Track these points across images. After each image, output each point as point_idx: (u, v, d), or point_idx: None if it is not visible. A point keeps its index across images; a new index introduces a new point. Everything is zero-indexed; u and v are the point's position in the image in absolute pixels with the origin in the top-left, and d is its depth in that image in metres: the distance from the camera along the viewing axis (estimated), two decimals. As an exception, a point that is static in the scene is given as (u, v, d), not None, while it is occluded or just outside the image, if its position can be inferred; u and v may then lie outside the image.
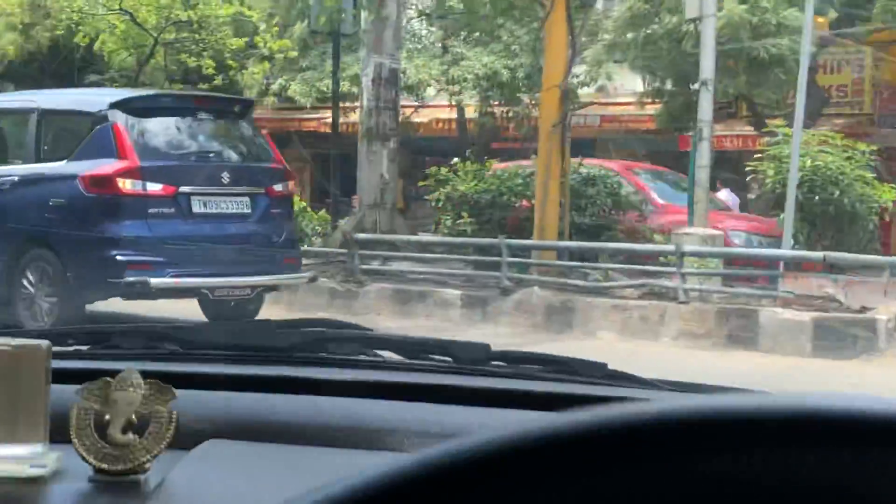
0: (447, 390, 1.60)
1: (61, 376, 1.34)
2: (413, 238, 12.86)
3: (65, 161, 8.83)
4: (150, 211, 8.60)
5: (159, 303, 8.92)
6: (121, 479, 1.25)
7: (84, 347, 1.78)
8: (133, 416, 1.27)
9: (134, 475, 1.25)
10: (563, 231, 11.41)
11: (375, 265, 12.15)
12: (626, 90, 18.51)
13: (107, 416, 1.27)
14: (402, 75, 14.63)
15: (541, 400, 1.52)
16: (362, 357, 1.83)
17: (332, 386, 1.59)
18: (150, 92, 11.53)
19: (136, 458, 1.25)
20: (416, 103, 19.74)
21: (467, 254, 11.86)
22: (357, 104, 14.82)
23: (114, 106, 8.84)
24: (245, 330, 2.10)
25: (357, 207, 13.66)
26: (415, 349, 1.89)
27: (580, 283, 10.80)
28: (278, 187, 9.46)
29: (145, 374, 1.30)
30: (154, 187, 8.61)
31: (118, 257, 8.44)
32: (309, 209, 13.88)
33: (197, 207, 8.86)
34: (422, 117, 20.64)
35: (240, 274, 9.04)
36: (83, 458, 1.25)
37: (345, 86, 16.91)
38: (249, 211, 9.18)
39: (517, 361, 1.83)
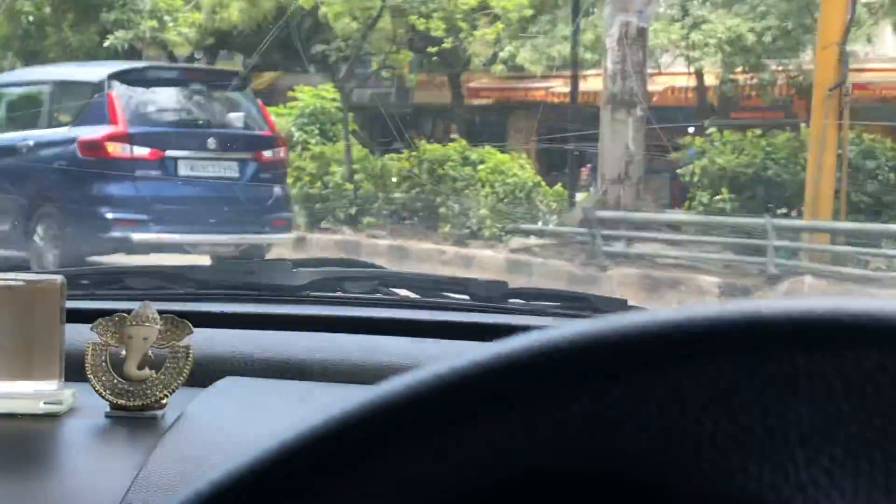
0: (463, 327, 1.58)
1: (75, 316, 1.32)
2: (663, 217, 11.68)
3: (67, 127, 9.66)
4: (138, 173, 9.30)
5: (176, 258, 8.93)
6: (138, 415, 1.24)
7: (98, 290, 1.76)
8: (150, 352, 1.27)
9: (151, 411, 1.25)
10: (838, 210, 10.01)
11: (619, 247, 10.99)
12: (878, 54, 16.77)
13: (122, 353, 1.27)
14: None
15: None
16: (378, 295, 1.82)
17: (347, 323, 1.57)
18: (146, 64, 12.24)
19: (153, 393, 1.25)
20: (653, 70, 18.43)
21: (725, 235, 10.59)
22: (591, 72, 13.66)
23: (111, 77, 9.60)
24: (261, 269, 2.04)
25: (591, 181, 12.63)
26: (431, 287, 1.89)
27: (859, 271, 9.41)
28: (268, 153, 10.01)
29: (160, 314, 1.29)
30: (141, 151, 9.27)
31: (106, 214, 9.13)
32: (543, 184, 12.89)
33: (183, 170, 9.45)
34: (656, 85, 19.30)
35: (222, 232, 9.58)
36: (99, 395, 1.25)
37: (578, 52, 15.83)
38: (237, 174, 9.69)
39: (535, 298, 1.82)
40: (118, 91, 9.45)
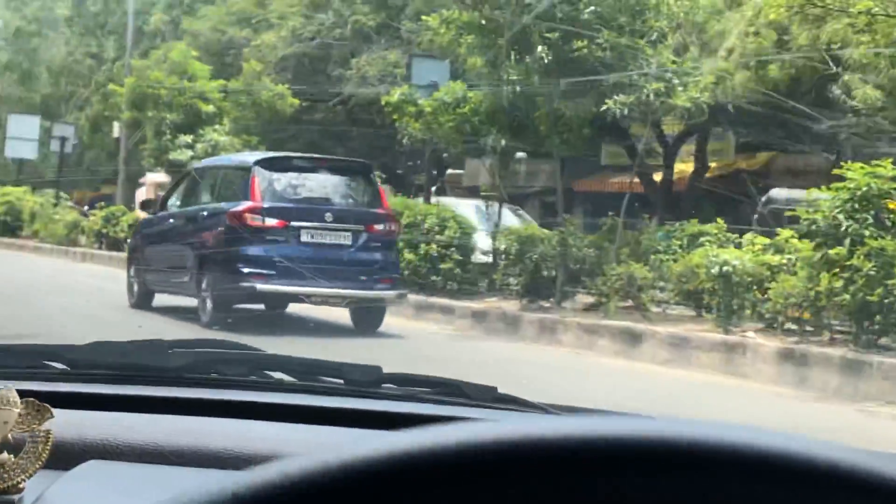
0: (335, 413, 1.60)
1: None
2: None
3: (225, 202, 12.65)
4: (267, 238, 11.99)
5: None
6: None
7: None
8: (9, 436, 1.26)
9: (8, 495, 1.24)
10: None
11: None
12: None
13: (-20, 436, 1.23)
14: None
15: (427, 422, 1.24)
16: (253, 378, 1.83)
17: (220, 407, 1.58)
18: (284, 154, 14.64)
19: (11, 478, 1.24)
20: None
21: None
22: None
23: (256, 163, 12.66)
24: (137, 350, 1.98)
25: None
26: (307, 371, 1.89)
27: None
28: (379, 226, 12.57)
29: (32, 394, 1.29)
30: (271, 221, 12.01)
31: (240, 269, 11.87)
32: None
33: (305, 237, 12.09)
34: None
35: (332, 286, 11.97)
36: None
37: None
38: (349, 242, 12.30)
39: (408, 384, 1.84)
40: (259, 174, 12.43)
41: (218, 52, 33.10)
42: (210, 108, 22.54)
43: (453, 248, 15.19)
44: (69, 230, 27.48)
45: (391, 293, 12.77)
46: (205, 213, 13.12)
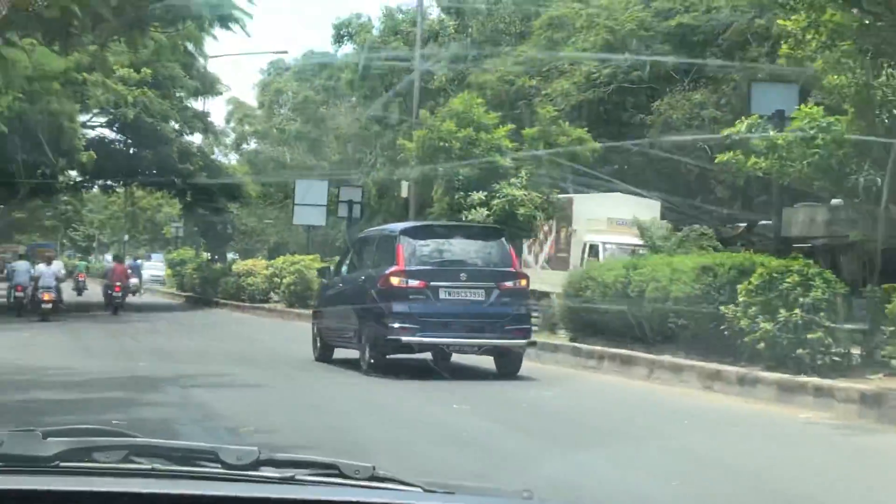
0: (209, 500, 1.62)
1: None
2: None
3: (376, 268, 14.68)
4: (411, 297, 13.90)
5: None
6: None
7: None
8: None
9: None
10: None
11: None
12: None
13: None
14: None
15: None
16: (130, 465, 1.81)
17: (92, 497, 1.58)
18: (425, 223, 16.74)
19: None
20: None
21: None
22: None
23: (401, 232, 14.75)
24: (10, 439, 1.92)
25: None
26: (183, 456, 1.87)
27: None
28: (509, 283, 14.21)
29: None
30: (414, 282, 13.94)
31: (387, 322, 13.84)
32: None
33: (443, 295, 13.94)
34: None
35: (469, 337, 13.97)
36: None
37: None
38: (483, 298, 13.99)
39: (285, 466, 1.84)
40: (404, 242, 14.17)
41: (506, 102, 31.11)
42: (506, 162, 20.18)
43: (822, 314, 12.05)
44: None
45: (521, 342, 14.24)
46: (362, 278, 15.11)
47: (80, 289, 43.17)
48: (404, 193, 23.81)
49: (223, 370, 15.03)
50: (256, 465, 1.81)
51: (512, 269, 14.41)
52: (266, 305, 32.05)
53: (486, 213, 19.73)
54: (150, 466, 1.80)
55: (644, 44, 29.78)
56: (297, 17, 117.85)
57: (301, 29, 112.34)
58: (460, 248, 14.51)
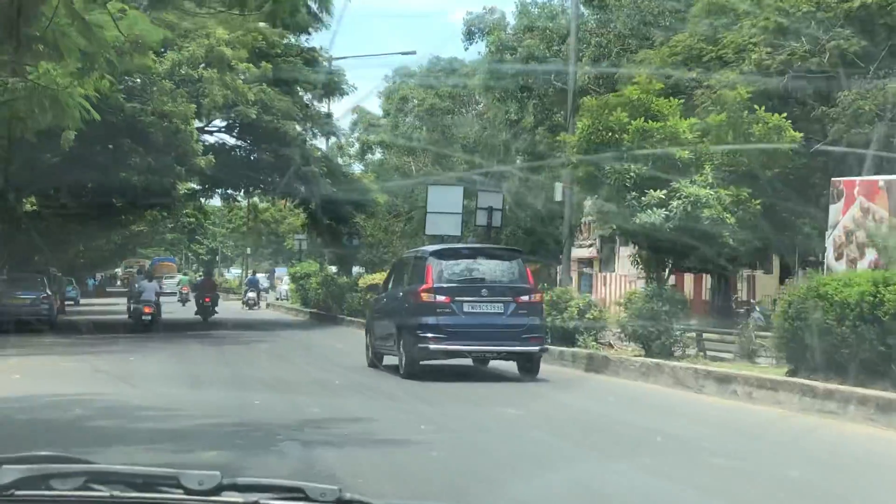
0: None
1: None
2: None
3: (411, 285, 16.79)
4: (438, 310, 15.78)
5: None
6: None
7: None
8: None
9: None
10: None
11: None
12: None
13: None
14: None
15: None
16: (89, 493, 1.77)
17: None
18: (451, 246, 19.25)
19: None
20: None
21: None
22: None
23: (430, 254, 16.79)
24: None
25: None
26: (144, 482, 1.82)
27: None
28: (524, 298, 16.03)
29: None
30: (441, 298, 15.84)
31: (418, 333, 15.73)
32: None
33: (467, 309, 15.80)
34: None
35: (489, 345, 16.00)
36: None
37: None
38: (502, 311, 15.83)
39: (249, 490, 1.79)
40: (432, 262, 16.33)
41: (663, 96, 27.48)
42: (686, 154, 16.66)
43: None
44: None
45: (535, 349, 15.97)
46: (400, 294, 17.07)
47: (183, 300, 45.69)
48: (558, 196, 20.46)
49: (354, 411, 11.90)
50: (219, 489, 1.73)
51: (527, 286, 16.29)
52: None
53: (665, 213, 16.24)
54: (108, 494, 1.74)
55: (822, 27, 25.89)
56: (425, 19, 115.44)
57: (430, 29, 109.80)
58: (482, 267, 16.47)
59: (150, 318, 29.74)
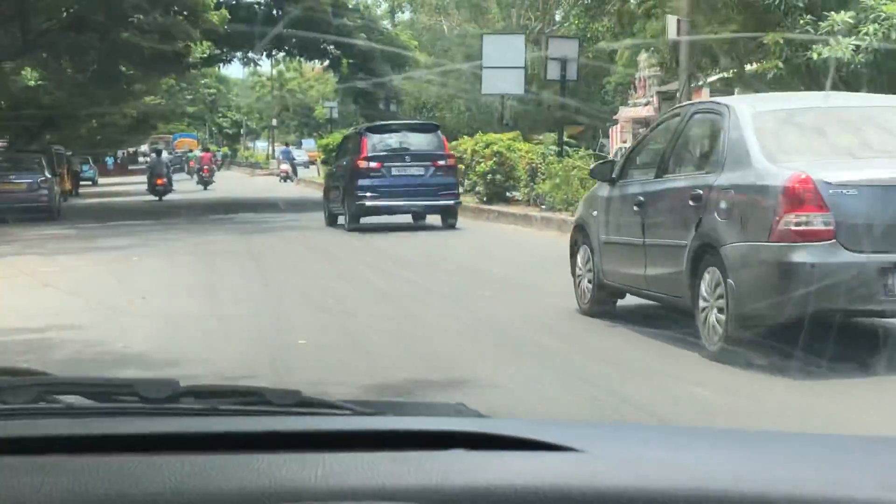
0: (129, 439, 1.48)
1: None
2: None
3: (353, 155, 19.78)
4: (371, 174, 18.72)
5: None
6: None
7: None
8: None
9: None
10: None
11: None
12: None
13: None
14: None
15: (231, 440, 1.45)
16: (42, 405, 1.69)
17: (5, 443, 1.45)
18: (381, 123, 22.44)
19: None
20: None
21: None
22: None
23: (365, 129, 20.76)
24: None
25: None
26: (99, 391, 1.76)
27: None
28: (441, 162, 19.09)
29: None
30: (373, 164, 18.80)
31: (357, 193, 18.69)
32: None
33: (394, 172, 18.79)
34: None
35: (413, 201, 18.66)
36: None
37: None
38: (422, 173, 18.80)
39: (207, 396, 1.72)
40: (367, 136, 19.62)
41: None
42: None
43: None
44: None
45: (451, 202, 19.05)
46: (344, 163, 20.24)
47: (193, 172, 46.68)
48: (672, 33, 15.57)
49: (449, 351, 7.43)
50: (176, 397, 1.66)
51: (443, 153, 19.43)
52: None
53: (855, 44, 11.32)
54: (64, 405, 1.68)
55: None
56: None
57: None
58: (407, 139, 19.75)
59: (161, 189, 32.94)
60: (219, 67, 39.18)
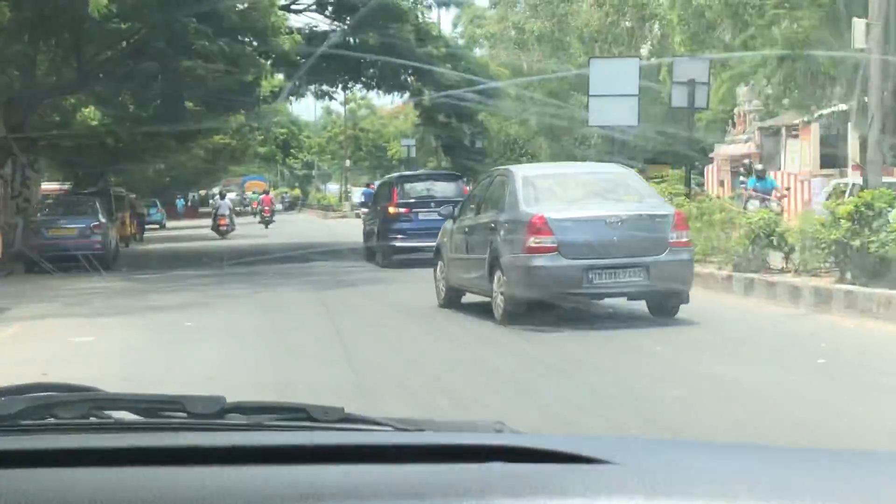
0: (179, 452, 1.51)
1: None
2: None
3: (385, 201, 21.90)
4: (401, 219, 20.71)
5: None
6: None
7: None
8: None
9: None
10: None
11: None
12: None
13: None
14: None
15: (276, 454, 1.46)
16: (93, 420, 1.74)
17: (57, 455, 1.49)
18: (411, 173, 26.18)
19: None
20: None
21: None
22: None
23: (396, 179, 23.25)
24: None
25: None
26: (147, 407, 1.80)
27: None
28: (460, 198, 17.98)
29: None
30: (402, 210, 20.82)
31: (388, 235, 20.77)
32: None
33: (421, 217, 20.28)
34: None
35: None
36: None
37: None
38: (448, 212, 14.96)
39: (253, 412, 1.75)
40: (397, 185, 21.68)
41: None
42: None
43: None
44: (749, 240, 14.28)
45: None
46: (378, 209, 22.22)
47: (256, 213, 47.97)
48: (860, 42, 12.11)
49: None
50: (222, 413, 1.69)
51: (462, 198, 18.02)
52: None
53: None
54: (112, 420, 1.72)
55: None
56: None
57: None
58: (433, 187, 21.75)
59: (224, 229, 35.70)
60: (290, 102, 36.37)
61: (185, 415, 1.69)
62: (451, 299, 12.77)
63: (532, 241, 10.57)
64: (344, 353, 9.78)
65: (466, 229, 12.32)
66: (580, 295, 10.78)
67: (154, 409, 1.75)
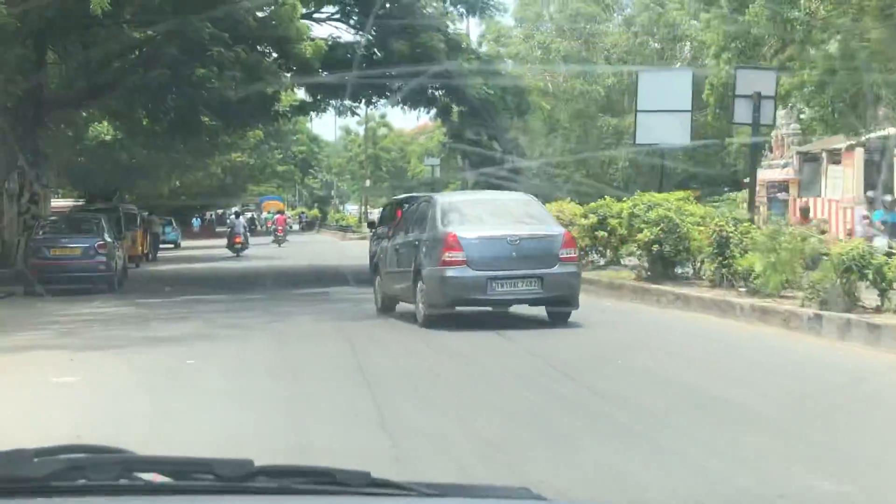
0: None
1: None
2: None
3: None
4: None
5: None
6: None
7: None
8: None
9: None
10: None
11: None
12: None
13: None
14: None
15: None
16: (123, 482, 1.73)
17: None
18: (412, 195, 22.36)
19: None
20: None
21: None
22: None
23: (402, 200, 21.55)
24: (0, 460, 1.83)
25: None
26: (177, 469, 1.80)
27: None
28: None
29: None
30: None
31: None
32: None
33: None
34: None
35: None
36: None
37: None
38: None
39: (280, 476, 1.76)
40: (400, 208, 19.33)
41: None
42: None
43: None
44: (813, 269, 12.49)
45: None
46: (380, 229, 20.76)
47: (271, 232, 47.39)
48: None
49: None
50: (251, 476, 1.71)
51: None
52: (598, 275, 18.78)
53: None
54: (143, 482, 1.71)
55: None
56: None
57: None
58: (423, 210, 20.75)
59: (239, 247, 35.69)
60: (311, 118, 34.60)
61: (213, 477, 1.69)
62: (387, 307, 14.67)
63: (446, 256, 12.47)
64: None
65: (398, 246, 14.19)
66: (485, 301, 12.66)
67: (184, 471, 1.75)
